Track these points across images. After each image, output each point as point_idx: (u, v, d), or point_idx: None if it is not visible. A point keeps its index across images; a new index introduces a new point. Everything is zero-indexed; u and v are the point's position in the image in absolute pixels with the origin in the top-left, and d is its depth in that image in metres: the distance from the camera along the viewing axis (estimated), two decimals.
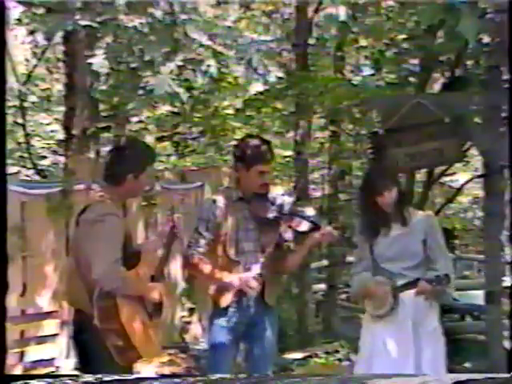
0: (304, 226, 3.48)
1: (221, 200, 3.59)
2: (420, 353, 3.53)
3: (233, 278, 3.44)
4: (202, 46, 3.33)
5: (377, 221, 3.66)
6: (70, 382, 3.15)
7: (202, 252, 3.50)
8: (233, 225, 3.51)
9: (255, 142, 3.57)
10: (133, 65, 3.50)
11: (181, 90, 3.30)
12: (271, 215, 3.52)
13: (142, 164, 3.15)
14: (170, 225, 3.31)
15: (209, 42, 3.36)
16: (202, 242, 3.50)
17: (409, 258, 3.60)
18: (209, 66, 3.37)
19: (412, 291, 3.55)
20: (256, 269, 3.44)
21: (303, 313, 7.20)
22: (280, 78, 8.38)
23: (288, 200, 3.60)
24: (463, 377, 3.63)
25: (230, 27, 8.21)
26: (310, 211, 3.57)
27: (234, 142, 4.77)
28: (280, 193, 3.61)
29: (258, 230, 3.53)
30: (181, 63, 3.26)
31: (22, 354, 5.43)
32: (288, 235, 3.54)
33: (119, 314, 2.92)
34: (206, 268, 3.49)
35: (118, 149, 3.25)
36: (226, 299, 3.50)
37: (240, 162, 3.54)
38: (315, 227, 3.47)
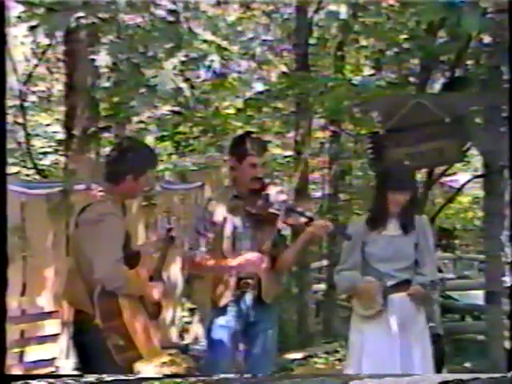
0: (300, 222, 3.48)
1: (217, 199, 3.62)
2: (408, 353, 3.53)
3: (239, 260, 3.43)
4: (205, 41, 3.32)
5: (378, 216, 3.65)
6: (70, 382, 3.15)
7: (204, 251, 3.51)
8: (229, 223, 3.52)
9: (246, 136, 3.62)
10: (135, 61, 3.49)
11: (184, 86, 3.28)
12: (267, 212, 3.52)
13: (143, 166, 3.15)
14: (167, 227, 3.33)
15: (212, 37, 3.35)
16: (203, 241, 3.51)
17: (402, 260, 3.60)
18: (212, 60, 3.36)
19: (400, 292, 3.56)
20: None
21: (303, 313, 7.19)
22: (281, 75, 8.42)
23: (284, 197, 3.60)
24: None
25: (233, 23, 8.23)
26: (306, 207, 3.57)
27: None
28: (276, 190, 3.60)
29: (254, 227, 3.53)
30: (184, 59, 3.25)
31: (21, 354, 5.41)
32: (284, 232, 3.55)
33: (121, 313, 2.93)
34: (211, 262, 3.50)
35: (121, 149, 3.24)
36: (225, 298, 3.51)
37: (233, 157, 3.57)
38: (311, 222, 3.47)
